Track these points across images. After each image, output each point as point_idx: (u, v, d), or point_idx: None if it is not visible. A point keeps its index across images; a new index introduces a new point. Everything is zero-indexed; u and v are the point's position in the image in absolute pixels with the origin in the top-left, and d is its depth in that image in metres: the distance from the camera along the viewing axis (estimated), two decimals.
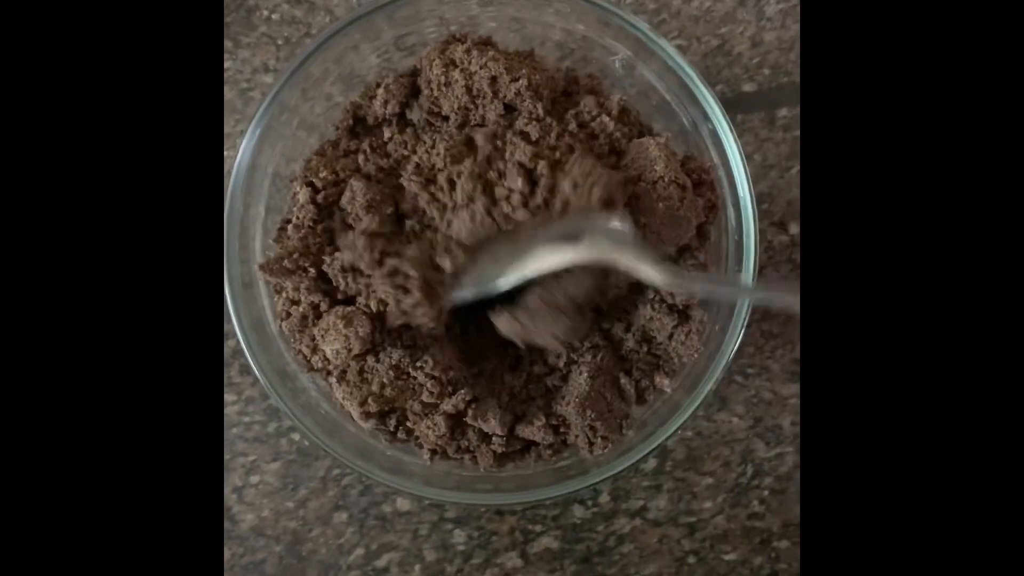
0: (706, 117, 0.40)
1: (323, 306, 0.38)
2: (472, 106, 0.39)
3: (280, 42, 0.49)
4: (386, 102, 0.41)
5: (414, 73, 0.41)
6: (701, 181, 0.40)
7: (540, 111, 0.39)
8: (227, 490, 0.48)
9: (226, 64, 0.49)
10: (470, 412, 0.38)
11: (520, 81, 0.38)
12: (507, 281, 0.38)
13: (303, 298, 0.38)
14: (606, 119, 0.39)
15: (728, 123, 0.39)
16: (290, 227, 0.40)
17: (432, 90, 0.39)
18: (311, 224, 0.39)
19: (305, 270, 0.38)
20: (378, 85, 0.41)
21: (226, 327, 0.47)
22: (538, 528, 0.48)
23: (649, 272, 0.36)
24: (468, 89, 0.39)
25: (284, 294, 0.39)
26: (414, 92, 0.41)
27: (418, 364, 0.38)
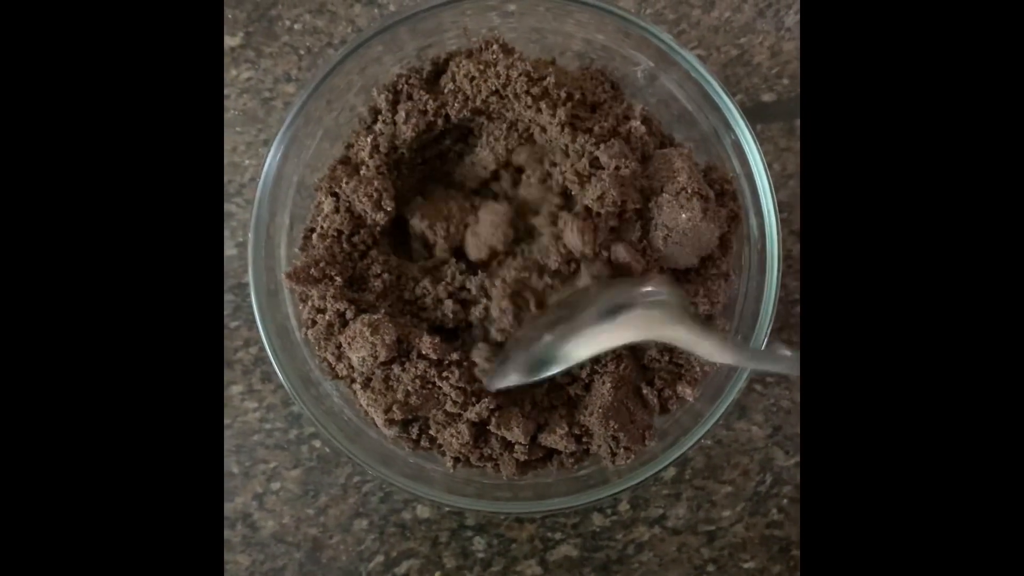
0: (729, 127, 0.40)
1: (349, 314, 0.39)
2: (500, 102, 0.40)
3: (302, 52, 0.49)
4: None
5: (438, 73, 0.41)
6: (723, 191, 0.40)
7: (563, 116, 0.39)
8: (248, 496, 0.48)
9: (248, 73, 0.49)
10: (493, 420, 0.39)
11: (548, 79, 0.39)
12: (557, 368, 0.37)
13: (329, 306, 0.39)
14: (636, 123, 0.40)
15: (752, 134, 0.39)
16: (315, 236, 0.40)
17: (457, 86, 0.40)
18: (336, 234, 0.39)
19: (331, 278, 0.39)
20: (398, 91, 0.41)
21: (248, 334, 0.48)
22: (558, 536, 0.48)
23: (709, 348, 0.36)
24: (502, 86, 0.39)
25: (310, 302, 0.39)
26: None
27: (444, 374, 0.38)
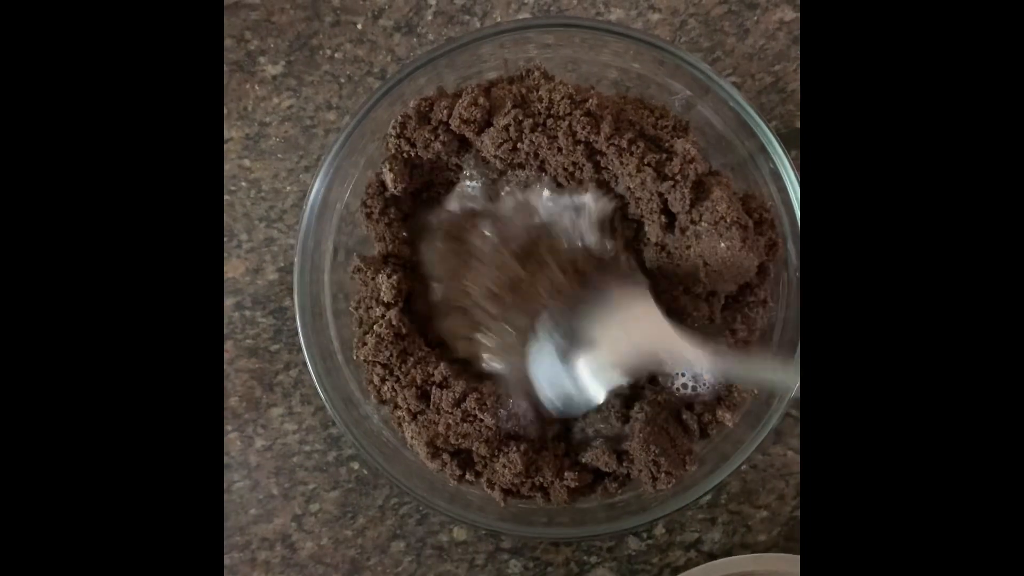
0: (767, 155, 0.41)
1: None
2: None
3: (343, 80, 0.50)
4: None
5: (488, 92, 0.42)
6: (762, 219, 0.41)
7: (609, 128, 0.39)
8: (287, 518, 0.49)
9: (290, 102, 0.50)
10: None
11: (591, 100, 0.39)
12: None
13: (381, 328, 0.40)
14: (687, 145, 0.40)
15: (790, 161, 0.40)
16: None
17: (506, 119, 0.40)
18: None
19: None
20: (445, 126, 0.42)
21: (288, 357, 0.49)
22: (593, 559, 0.48)
23: (694, 356, 0.37)
24: (545, 109, 0.40)
25: (363, 326, 0.40)
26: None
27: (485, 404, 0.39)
